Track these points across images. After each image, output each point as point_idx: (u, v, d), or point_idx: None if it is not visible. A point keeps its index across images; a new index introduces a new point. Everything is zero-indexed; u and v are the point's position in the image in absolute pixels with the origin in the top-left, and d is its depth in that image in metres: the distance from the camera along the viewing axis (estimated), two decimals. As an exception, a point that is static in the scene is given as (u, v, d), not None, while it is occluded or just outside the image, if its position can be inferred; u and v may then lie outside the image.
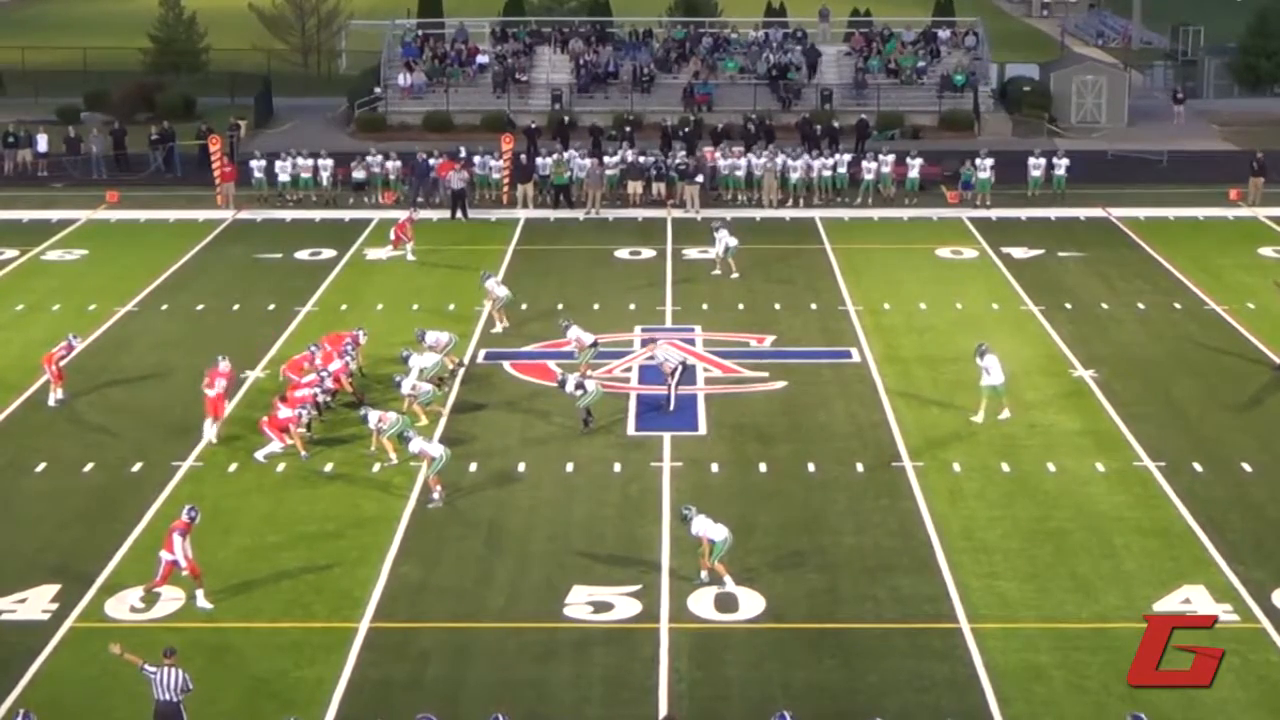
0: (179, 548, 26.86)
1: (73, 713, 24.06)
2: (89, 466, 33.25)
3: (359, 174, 57.31)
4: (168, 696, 22.56)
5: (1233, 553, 28.85)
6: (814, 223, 53.76)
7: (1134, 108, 73.90)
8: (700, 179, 55.66)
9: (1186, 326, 42.75)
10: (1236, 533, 29.80)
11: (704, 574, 27.78)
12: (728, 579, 27.58)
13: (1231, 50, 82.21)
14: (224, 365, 35.06)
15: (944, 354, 39.65)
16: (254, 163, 57.57)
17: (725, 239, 47.11)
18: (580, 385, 34.95)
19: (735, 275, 46.59)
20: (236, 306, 44.54)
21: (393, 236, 49.89)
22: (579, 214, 55.24)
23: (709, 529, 27.70)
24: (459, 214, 54.47)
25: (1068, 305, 44.36)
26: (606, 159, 57.36)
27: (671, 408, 36.01)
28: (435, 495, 31.17)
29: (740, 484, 32.34)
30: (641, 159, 57.55)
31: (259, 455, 33.33)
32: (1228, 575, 28.02)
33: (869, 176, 56.58)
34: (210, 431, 34.28)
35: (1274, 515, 30.76)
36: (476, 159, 57.56)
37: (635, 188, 56.38)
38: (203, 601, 27.02)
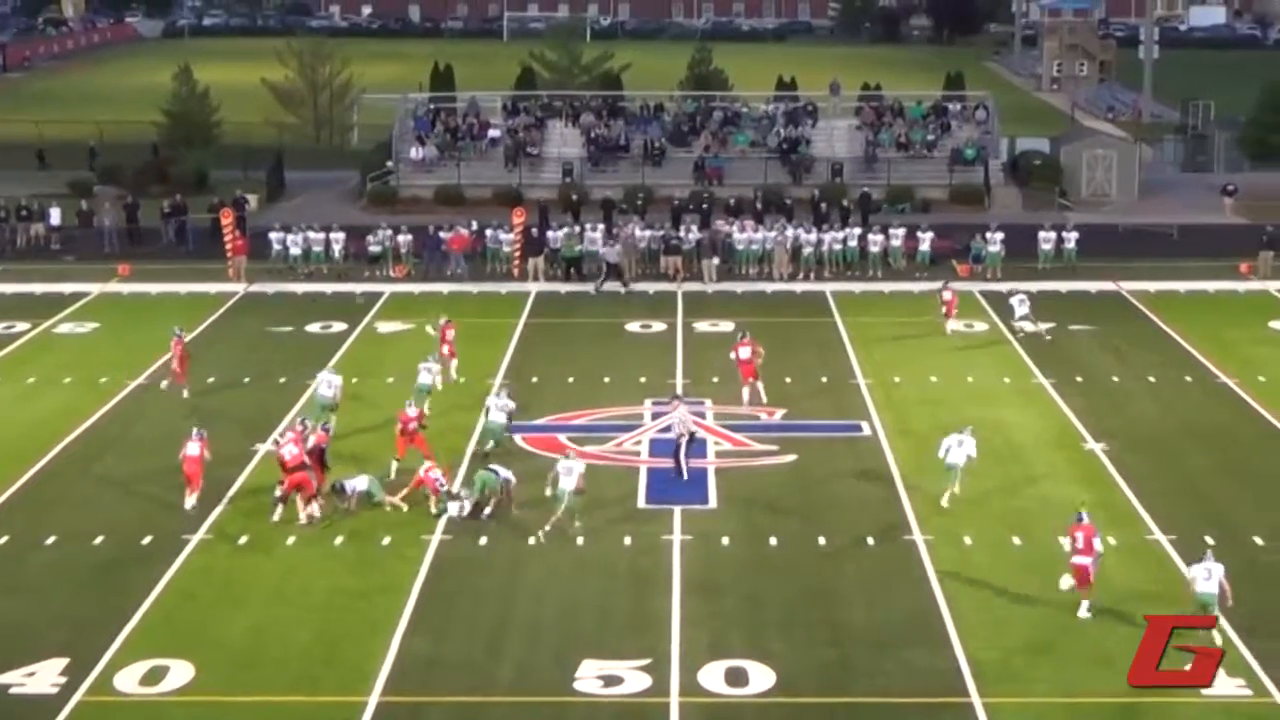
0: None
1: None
2: (99, 539, 33.18)
3: (374, 248, 57.44)
4: None
5: (1245, 625, 28.71)
6: (824, 296, 53.84)
7: (1144, 181, 73.97)
8: (716, 259, 55.86)
9: (1197, 399, 42.71)
10: (1249, 605, 29.62)
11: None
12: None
13: (1241, 124, 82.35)
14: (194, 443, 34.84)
15: (955, 426, 39.44)
16: (273, 235, 57.90)
17: (1020, 306, 48.62)
18: (462, 508, 33.99)
19: (1037, 329, 48.29)
20: (248, 379, 44.56)
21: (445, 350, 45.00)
22: (589, 287, 55.31)
23: None
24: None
25: (1079, 378, 44.33)
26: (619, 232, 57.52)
27: (685, 476, 35.99)
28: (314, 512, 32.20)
29: (751, 557, 32.23)
30: (648, 233, 57.73)
31: (301, 518, 33.63)
32: (1239, 648, 27.85)
33: (875, 249, 56.78)
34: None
35: (1287, 588, 30.64)
36: (488, 231, 57.75)
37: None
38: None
